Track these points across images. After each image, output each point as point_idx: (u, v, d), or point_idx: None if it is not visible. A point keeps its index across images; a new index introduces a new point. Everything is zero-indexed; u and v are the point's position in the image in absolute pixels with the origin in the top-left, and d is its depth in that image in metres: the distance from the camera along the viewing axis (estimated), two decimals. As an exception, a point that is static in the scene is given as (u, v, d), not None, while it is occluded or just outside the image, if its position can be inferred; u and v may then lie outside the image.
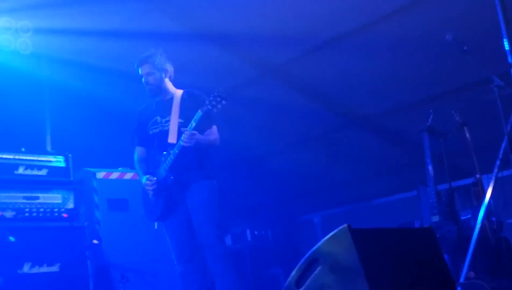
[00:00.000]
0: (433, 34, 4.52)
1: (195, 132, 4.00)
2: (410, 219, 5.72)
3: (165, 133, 4.20)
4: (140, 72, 4.28)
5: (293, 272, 2.49)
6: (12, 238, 4.58)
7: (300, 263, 2.46)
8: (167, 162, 4.12)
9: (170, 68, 4.33)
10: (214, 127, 4.23)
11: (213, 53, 5.60)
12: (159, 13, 5.03)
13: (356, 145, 6.51)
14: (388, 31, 4.98)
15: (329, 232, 2.43)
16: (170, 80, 4.37)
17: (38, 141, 5.75)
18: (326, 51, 5.45)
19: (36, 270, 4.69)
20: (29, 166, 4.97)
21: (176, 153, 4.05)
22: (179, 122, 4.19)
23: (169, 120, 4.23)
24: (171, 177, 4.11)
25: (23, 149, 5.01)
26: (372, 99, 5.98)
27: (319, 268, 2.40)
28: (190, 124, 4.00)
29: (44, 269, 4.73)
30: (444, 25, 4.24)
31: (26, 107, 5.76)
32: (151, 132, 4.29)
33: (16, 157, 4.93)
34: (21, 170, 4.94)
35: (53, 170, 5.10)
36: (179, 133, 4.10)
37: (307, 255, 2.43)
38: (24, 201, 4.85)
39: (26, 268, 4.64)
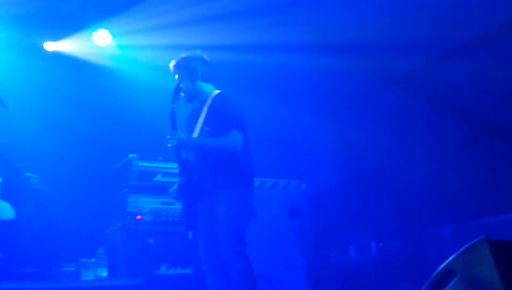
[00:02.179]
0: None
1: (177, 132, 3.81)
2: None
3: None
4: (175, 78, 4.17)
5: (426, 284, 2.43)
6: (151, 241, 4.90)
7: (434, 274, 2.40)
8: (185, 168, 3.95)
9: (202, 69, 4.13)
10: (234, 132, 3.86)
11: (336, 64, 5.61)
12: (282, 26, 5.14)
13: (493, 156, 6.17)
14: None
15: (460, 247, 2.35)
16: (209, 81, 4.18)
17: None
18: (455, 58, 5.26)
19: (172, 271, 4.97)
20: (166, 173, 5.31)
21: (183, 161, 3.90)
22: (204, 129, 4.00)
23: (194, 128, 4.07)
24: (184, 185, 3.90)
25: (160, 158, 5.37)
26: (510, 107, 5.65)
27: (454, 280, 2.32)
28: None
29: (179, 270, 5.00)
30: None
31: (161, 118, 6.12)
32: None
33: (155, 165, 5.30)
34: (159, 177, 5.29)
35: (187, 177, 5.38)
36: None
37: (441, 266, 2.37)
38: (162, 206, 5.18)
39: (163, 269, 4.93)
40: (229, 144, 3.84)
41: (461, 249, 2.33)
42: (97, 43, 6.10)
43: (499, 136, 6.13)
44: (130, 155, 5.26)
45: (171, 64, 4.19)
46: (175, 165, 5.30)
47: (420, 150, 6.60)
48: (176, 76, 4.14)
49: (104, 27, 6.00)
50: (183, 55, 4.18)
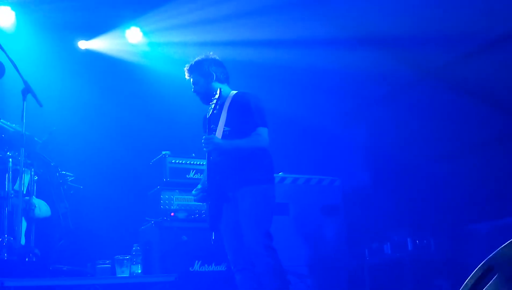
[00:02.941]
0: None
1: (213, 136, 3.83)
2: None
3: None
4: (190, 80, 4.22)
5: (467, 280, 2.36)
6: (185, 237, 4.91)
7: (474, 271, 2.33)
8: (206, 170, 3.95)
9: (217, 71, 4.15)
10: (260, 129, 3.92)
11: (371, 57, 5.53)
12: (319, 19, 5.09)
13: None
14: None
15: (496, 244, 2.27)
16: (224, 82, 4.19)
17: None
18: (492, 51, 5.12)
19: (205, 268, 4.98)
20: (199, 170, 5.31)
21: (211, 161, 3.86)
22: (224, 130, 3.99)
23: (216, 128, 4.04)
24: (208, 185, 3.89)
25: (193, 155, 5.38)
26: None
27: (495, 277, 2.25)
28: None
29: (213, 267, 5.01)
30: None
31: (194, 115, 6.14)
32: None
33: (188, 162, 5.31)
34: (192, 174, 5.30)
35: (219, 174, 5.39)
36: (225, 139, 3.94)
37: (482, 263, 2.30)
38: (195, 203, 5.18)
39: (197, 266, 4.95)
40: (260, 142, 3.90)
41: (502, 246, 2.26)
42: (130, 40, 6.16)
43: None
44: (164, 152, 5.28)
45: (185, 69, 4.24)
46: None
47: (455, 145, 6.46)
48: (191, 80, 4.19)
49: (135, 25, 6.05)
50: (196, 58, 4.22)
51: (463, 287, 2.38)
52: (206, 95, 4.09)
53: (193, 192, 4.10)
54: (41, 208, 4.47)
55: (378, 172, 7.34)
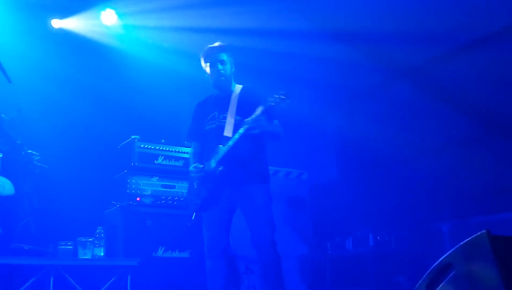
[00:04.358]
0: None
1: (261, 117, 3.87)
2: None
3: (222, 129, 4.09)
4: (212, 59, 4.17)
5: (424, 276, 2.43)
6: (149, 223, 4.90)
7: (432, 267, 2.39)
8: (219, 154, 3.97)
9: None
10: (276, 122, 4.11)
11: (344, 52, 5.57)
12: (293, 13, 5.11)
13: (497, 152, 6.15)
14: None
15: (458, 243, 2.33)
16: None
17: (175, 133, 6.10)
18: (466, 53, 5.22)
19: (169, 254, 4.97)
20: (168, 156, 5.31)
21: (230, 146, 3.91)
22: (235, 119, 4.08)
23: (226, 116, 4.12)
24: (220, 169, 3.96)
25: (163, 141, 5.36)
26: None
27: (452, 273, 2.32)
28: (251, 116, 3.89)
29: (176, 254, 5.01)
30: None
31: (166, 100, 6.11)
32: (207, 127, 4.19)
33: (157, 147, 5.29)
34: (160, 160, 5.28)
35: (188, 161, 5.38)
36: (235, 129, 3.99)
37: (441, 259, 2.36)
38: (162, 189, 5.18)
39: (160, 252, 4.94)
40: (281, 131, 4.12)
41: (461, 243, 2.32)
42: (104, 22, 6.07)
43: (505, 133, 6.10)
44: (133, 136, 5.24)
45: (219, 44, 4.22)
46: (177, 148, 5.35)
47: (423, 145, 6.57)
48: (222, 58, 4.17)
49: (111, 7, 5.97)
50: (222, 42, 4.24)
51: (421, 282, 2.45)
52: (226, 81, 4.20)
53: (191, 168, 4.11)
54: (5, 186, 4.39)
55: (346, 168, 7.43)
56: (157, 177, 5.19)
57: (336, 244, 6.69)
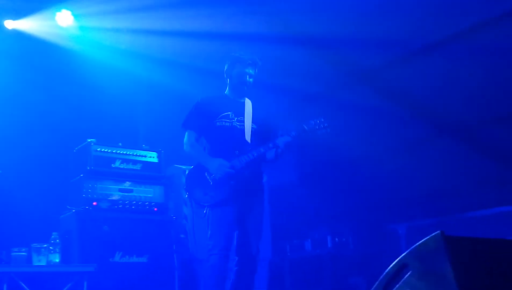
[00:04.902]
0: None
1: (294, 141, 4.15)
2: (507, 235, 5.46)
3: (236, 130, 4.24)
4: (244, 67, 4.30)
5: (381, 277, 2.46)
6: (106, 228, 4.82)
7: (388, 268, 2.43)
8: (245, 157, 4.13)
9: None
10: None
11: (301, 56, 5.62)
12: (250, 16, 5.13)
13: (450, 154, 6.31)
14: (488, 38, 4.83)
15: (414, 244, 2.38)
16: None
17: (132, 136, 6.03)
18: (422, 57, 5.35)
19: (126, 259, 4.90)
20: (125, 160, 5.23)
21: (255, 156, 4.12)
22: (252, 127, 4.28)
23: (243, 120, 4.28)
24: (246, 172, 4.13)
25: (120, 144, 5.28)
26: (468, 108, 5.79)
27: (408, 273, 2.36)
28: (289, 134, 4.15)
29: (134, 259, 4.94)
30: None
31: (123, 103, 6.04)
32: (218, 124, 4.26)
33: (114, 151, 5.21)
34: (117, 164, 5.20)
35: (147, 165, 5.33)
36: (252, 136, 4.22)
37: (396, 260, 2.40)
38: (119, 193, 5.10)
39: (117, 257, 4.86)
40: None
41: (416, 244, 2.37)
42: (60, 23, 5.95)
43: (456, 135, 6.28)
44: (89, 140, 5.14)
45: (256, 59, 4.35)
46: (134, 151, 5.28)
47: (379, 147, 6.69)
48: (253, 71, 4.33)
49: (67, 8, 5.86)
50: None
51: (378, 282, 2.48)
52: (246, 90, 4.37)
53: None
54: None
55: (304, 170, 7.48)
56: (114, 181, 5.10)
57: (295, 246, 6.73)
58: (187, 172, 4.27)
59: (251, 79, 4.33)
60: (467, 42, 5.03)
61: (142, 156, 5.32)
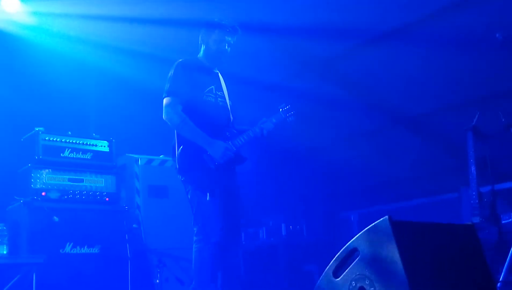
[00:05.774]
0: (484, 33, 4.44)
1: None
2: (450, 221, 5.62)
3: (219, 107, 4.03)
4: (224, 35, 4.03)
5: (331, 262, 2.50)
6: (56, 218, 4.71)
7: (339, 253, 2.46)
8: (240, 140, 3.98)
9: None
10: None
11: (256, 45, 5.60)
12: (204, 3, 5.08)
13: (399, 144, 6.44)
14: (438, 29, 4.93)
15: (365, 230, 2.43)
16: None
17: (83, 125, 5.90)
18: (374, 47, 5.42)
19: (77, 250, 4.81)
20: (75, 149, 5.11)
21: (251, 136, 4.04)
22: (230, 104, 4.14)
23: (224, 96, 4.08)
24: (243, 156, 4.02)
25: (69, 133, 5.16)
26: (419, 98, 5.91)
27: (358, 258, 2.40)
28: (271, 121, 4.16)
29: (85, 250, 4.86)
30: (496, 24, 4.17)
31: (72, 91, 5.90)
32: (205, 98, 3.99)
33: (63, 140, 5.08)
34: (67, 153, 5.08)
35: (97, 154, 5.23)
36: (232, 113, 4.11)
37: (346, 245, 2.44)
38: (69, 183, 4.99)
39: (68, 248, 4.77)
40: None
41: (365, 229, 2.41)
42: (6, 9, 5.75)
43: (407, 125, 6.41)
44: (37, 128, 5.00)
45: (237, 27, 4.10)
46: (84, 140, 5.17)
47: (332, 137, 6.77)
48: (232, 40, 4.09)
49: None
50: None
51: (328, 267, 2.52)
52: (223, 60, 4.15)
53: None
54: None
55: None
56: (64, 171, 4.98)
57: (250, 235, 6.75)
58: (179, 151, 3.83)
59: (229, 48, 4.07)
60: (419, 33, 5.12)
61: (92, 145, 5.22)
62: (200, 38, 4.14)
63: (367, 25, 5.22)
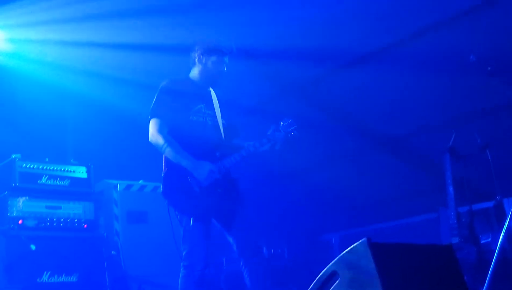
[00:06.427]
0: (459, 55, 4.52)
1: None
2: (429, 241, 5.64)
3: (208, 127, 3.95)
4: (223, 57, 4.03)
5: (312, 285, 2.48)
6: (33, 247, 4.63)
7: (319, 276, 2.45)
8: (231, 159, 3.87)
9: None
10: None
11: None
12: (180, 28, 5.10)
13: (378, 166, 6.49)
14: (414, 52, 5.01)
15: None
16: None
17: (61, 151, 5.84)
18: (351, 70, 5.49)
19: (55, 279, 4.73)
20: (52, 176, 5.06)
21: (243, 156, 3.90)
22: (223, 123, 4.03)
23: (214, 115, 4.00)
24: (233, 178, 3.91)
25: (46, 159, 5.11)
26: (397, 120, 5.98)
27: (337, 281, 2.39)
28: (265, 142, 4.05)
29: (63, 278, 4.78)
30: (470, 46, 4.25)
31: (50, 117, 5.86)
32: (192, 118, 3.91)
33: (40, 166, 5.03)
34: (44, 180, 5.02)
35: (75, 180, 5.18)
36: (225, 132, 4.00)
37: (326, 268, 2.43)
38: (47, 210, 4.92)
39: (45, 277, 4.68)
40: None
41: (344, 251, 2.41)
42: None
43: (385, 147, 6.46)
44: (13, 156, 4.94)
45: (233, 46, 4.12)
46: (62, 167, 5.12)
47: (312, 159, 6.79)
48: (227, 60, 4.08)
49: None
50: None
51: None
52: (219, 81, 4.11)
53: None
54: None
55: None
56: (41, 198, 4.92)
57: (231, 259, 6.70)
58: (163, 174, 3.80)
59: (226, 68, 4.06)
60: (396, 56, 5.20)
61: (70, 171, 5.16)
62: (196, 58, 4.07)
63: (345, 48, 5.29)
